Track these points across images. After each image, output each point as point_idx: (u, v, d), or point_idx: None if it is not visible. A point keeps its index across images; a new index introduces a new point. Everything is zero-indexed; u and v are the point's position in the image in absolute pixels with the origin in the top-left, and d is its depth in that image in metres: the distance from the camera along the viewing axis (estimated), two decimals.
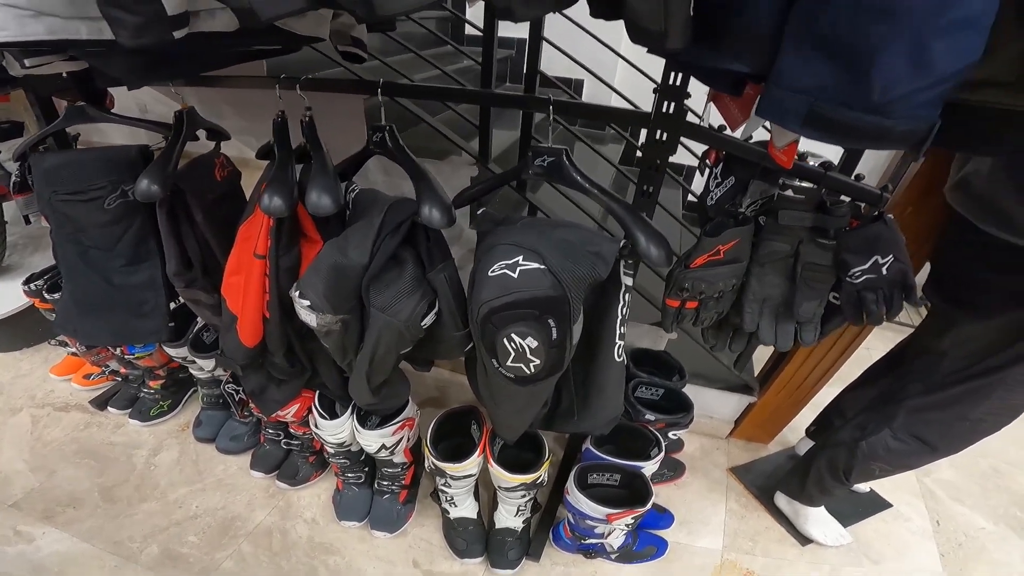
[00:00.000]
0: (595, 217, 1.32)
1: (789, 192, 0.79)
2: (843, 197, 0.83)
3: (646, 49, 0.55)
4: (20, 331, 1.89)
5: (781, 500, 1.44)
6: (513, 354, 0.79)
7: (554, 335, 0.78)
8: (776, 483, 1.47)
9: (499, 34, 1.11)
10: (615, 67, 1.89)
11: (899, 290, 0.83)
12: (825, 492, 1.30)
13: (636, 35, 0.50)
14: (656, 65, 0.76)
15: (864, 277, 0.83)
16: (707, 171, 0.88)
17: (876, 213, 0.81)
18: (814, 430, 1.52)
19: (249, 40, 0.83)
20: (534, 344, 0.78)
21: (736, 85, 0.57)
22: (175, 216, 1.01)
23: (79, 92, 1.19)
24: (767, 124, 0.65)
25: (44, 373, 1.82)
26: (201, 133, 1.15)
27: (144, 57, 0.75)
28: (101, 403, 1.68)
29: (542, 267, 0.76)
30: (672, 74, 0.76)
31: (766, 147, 0.77)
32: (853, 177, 0.79)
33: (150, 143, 1.14)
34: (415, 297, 0.87)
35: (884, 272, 0.82)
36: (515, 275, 0.76)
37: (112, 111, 1.23)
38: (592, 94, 2.18)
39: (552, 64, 1.28)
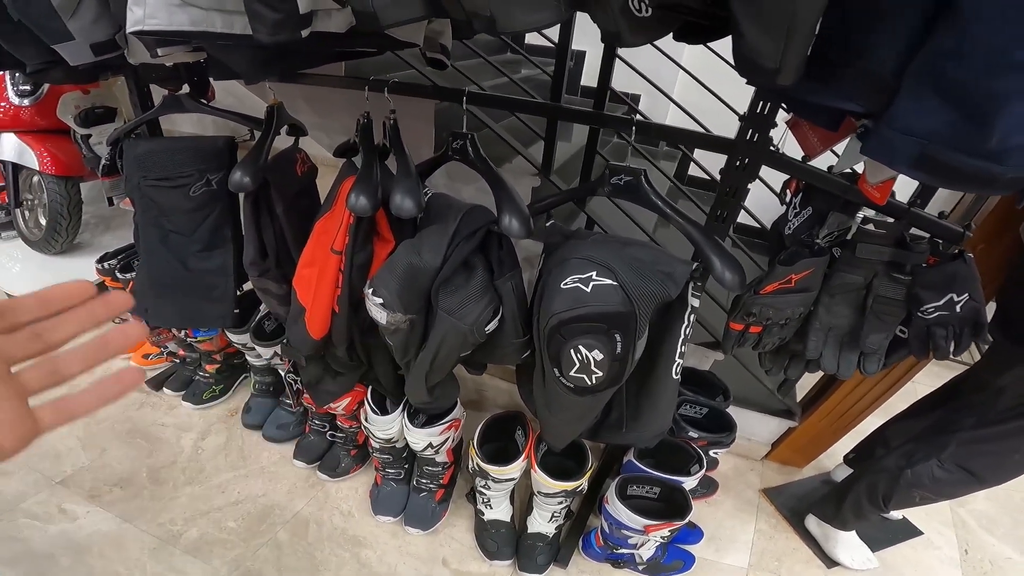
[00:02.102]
0: (648, 232, 1.33)
1: (870, 226, 0.79)
2: (922, 233, 0.82)
3: (745, 81, 0.57)
4: None
5: (812, 523, 1.45)
6: (577, 365, 0.81)
7: (619, 349, 0.80)
8: (808, 506, 1.48)
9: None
10: (674, 82, 1.90)
11: (970, 328, 0.84)
12: (860, 517, 1.31)
13: (746, 70, 0.52)
14: (718, 79, 0.77)
15: (937, 313, 0.83)
16: (787, 200, 0.89)
17: (957, 251, 0.80)
18: (853, 457, 1.53)
19: (352, 42, 0.87)
20: (599, 357, 0.80)
21: (836, 120, 0.58)
22: (258, 207, 1.06)
23: (187, 82, 1.25)
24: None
25: None
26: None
27: (265, 53, 0.80)
28: (157, 384, 1.75)
29: (614, 283, 0.78)
30: (760, 103, 0.77)
31: (850, 180, 0.78)
32: (937, 215, 0.79)
33: (196, 133, 1.20)
34: (482, 303, 0.89)
35: (958, 310, 0.82)
36: (588, 289, 0.78)
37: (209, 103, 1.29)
38: (647, 108, 2.19)
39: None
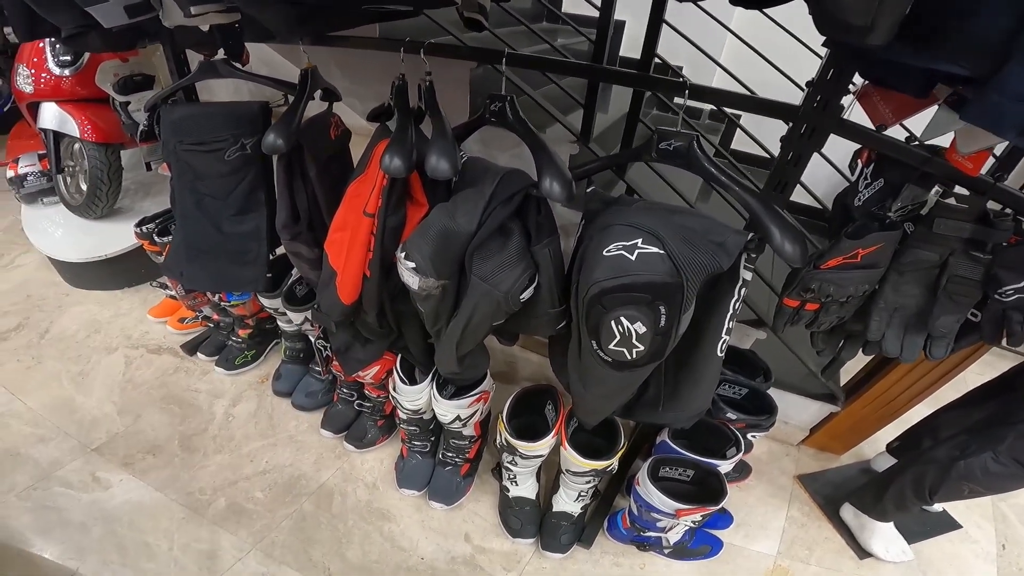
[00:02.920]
0: (690, 201, 1.26)
1: (951, 200, 0.72)
2: (1007, 210, 0.75)
3: (823, 41, 0.51)
4: (124, 271, 2.04)
5: (848, 512, 1.42)
6: (618, 337, 0.77)
7: (663, 322, 0.75)
8: (844, 495, 1.45)
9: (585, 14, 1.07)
10: (720, 51, 1.80)
11: None
12: (902, 508, 1.27)
13: (831, 27, 0.47)
14: (767, 51, 0.70)
15: (1016, 296, 0.76)
16: (857, 170, 0.82)
17: None
18: (898, 446, 1.49)
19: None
20: (642, 330, 0.75)
21: (926, 87, 0.53)
22: (291, 170, 1.04)
23: (223, 46, 1.24)
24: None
25: (142, 314, 1.95)
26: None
27: (297, 8, 0.77)
28: (191, 348, 1.79)
29: (661, 252, 0.73)
30: (832, 69, 0.70)
31: (930, 151, 0.71)
32: (1020, 188, 0.71)
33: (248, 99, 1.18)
34: (518, 269, 0.86)
35: None
36: (632, 257, 0.73)
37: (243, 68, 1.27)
38: (691, 75, 2.09)
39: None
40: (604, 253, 0.75)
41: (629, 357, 0.79)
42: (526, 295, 0.88)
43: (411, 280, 0.87)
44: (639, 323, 0.75)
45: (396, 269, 0.91)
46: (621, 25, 2.20)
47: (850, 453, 1.61)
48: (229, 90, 2.20)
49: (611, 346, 0.78)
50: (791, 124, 0.77)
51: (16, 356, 1.76)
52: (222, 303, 1.53)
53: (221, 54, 1.29)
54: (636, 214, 0.78)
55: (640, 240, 0.74)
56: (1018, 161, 0.99)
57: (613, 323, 0.76)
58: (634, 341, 0.77)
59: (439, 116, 0.92)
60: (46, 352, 1.79)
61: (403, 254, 0.87)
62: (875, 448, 1.56)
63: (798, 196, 1.22)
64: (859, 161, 0.82)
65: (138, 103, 1.91)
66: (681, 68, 2.15)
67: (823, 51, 0.71)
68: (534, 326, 0.98)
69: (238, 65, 1.25)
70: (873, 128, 0.79)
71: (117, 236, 1.99)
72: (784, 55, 1.51)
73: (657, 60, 1.14)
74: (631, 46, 1.11)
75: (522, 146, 0.92)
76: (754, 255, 0.77)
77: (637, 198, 0.86)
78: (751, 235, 0.74)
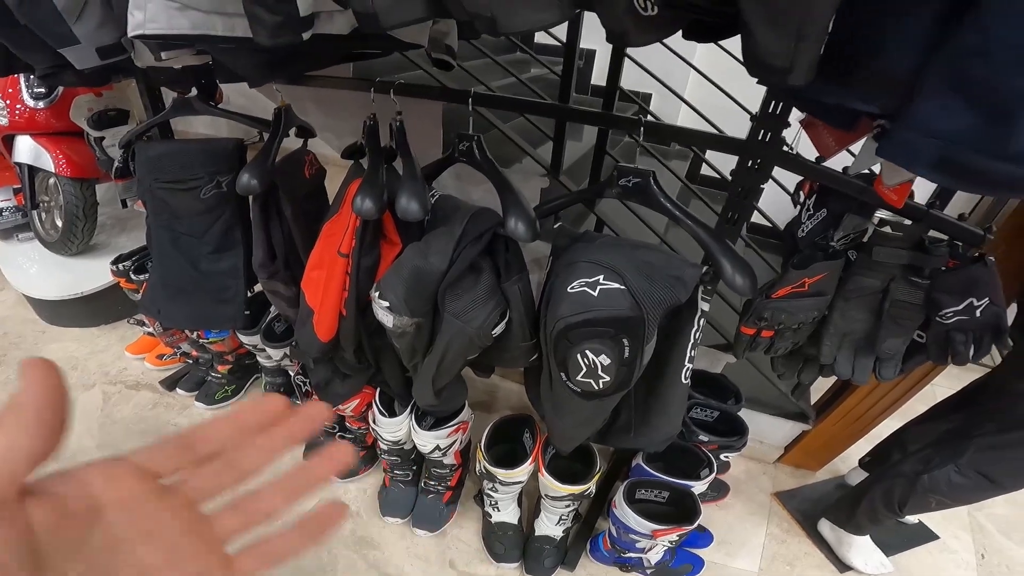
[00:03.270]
0: (659, 233, 1.31)
1: (887, 228, 0.77)
2: (941, 235, 0.80)
3: (756, 80, 0.55)
4: (101, 308, 2.01)
5: (825, 527, 1.44)
6: (584, 369, 0.80)
7: (626, 354, 0.79)
8: (821, 510, 1.47)
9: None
10: (686, 80, 1.87)
11: (990, 333, 0.82)
12: (875, 522, 1.31)
13: (756, 69, 0.50)
14: (731, 77, 0.75)
15: (956, 318, 0.81)
16: (800, 202, 0.87)
17: (977, 254, 0.78)
18: (869, 461, 1.52)
19: (356, 44, 0.86)
20: (607, 362, 0.79)
21: (852, 121, 0.56)
22: (267, 209, 1.06)
23: (195, 85, 1.26)
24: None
25: (119, 351, 1.92)
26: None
27: (268, 56, 0.80)
28: (170, 384, 1.77)
29: (622, 287, 0.77)
30: (772, 103, 0.75)
31: (866, 181, 0.76)
32: (957, 217, 0.77)
33: (210, 134, 1.20)
34: (489, 306, 0.89)
35: (978, 314, 0.80)
36: (595, 293, 0.77)
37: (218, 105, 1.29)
38: (659, 107, 2.17)
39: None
40: (568, 290, 0.79)
41: (596, 387, 0.82)
42: (498, 330, 0.91)
43: (386, 319, 0.90)
44: (604, 355, 0.78)
45: (371, 308, 0.93)
46: (592, 54, 2.28)
47: (825, 469, 1.65)
48: (206, 122, 2.23)
49: (579, 377, 0.82)
50: (739, 157, 0.81)
51: None
52: (201, 340, 1.52)
53: (195, 91, 1.31)
54: (599, 251, 0.82)
55: (602, 276, 0.77)
56: (955, 191, 1.05)
57: (579, 356, 0.79)
58: (600, 372, 0.80)
59: (409, 157, 0.95)
60: None
61: (377, 293, 0.89)
62: (849, 463, 1.60)
63: (761, 217, 1.28)
64: (802, 192, 0.87)
65: (113, 138, 1.90)
66: (650, 96, 2.24)
67: None
68: (507, 359, 1.01)
69: (212, 103, 1.28)
70: (816, 159, 0.84)
71: (93, 273, 1.96)
72: (748, 82, 1.57)
73: (625, 89, 1.19)
74: (602, 76, 1.15)
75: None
76: (711, 287, 0.81)
77: (602, 234, 0.90)
78: (706, 268, 0.78)
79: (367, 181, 0.89)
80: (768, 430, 1.58)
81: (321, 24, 0.71)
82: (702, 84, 1.61)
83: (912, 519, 1.49)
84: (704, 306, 0.83)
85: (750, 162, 0.80)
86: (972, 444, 1.09)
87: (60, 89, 1.95)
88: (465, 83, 1.36)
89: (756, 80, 0.56)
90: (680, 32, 0.58)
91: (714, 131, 1.03)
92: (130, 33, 0.67)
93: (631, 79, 1.49)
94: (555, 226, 0.94)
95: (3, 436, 0.22)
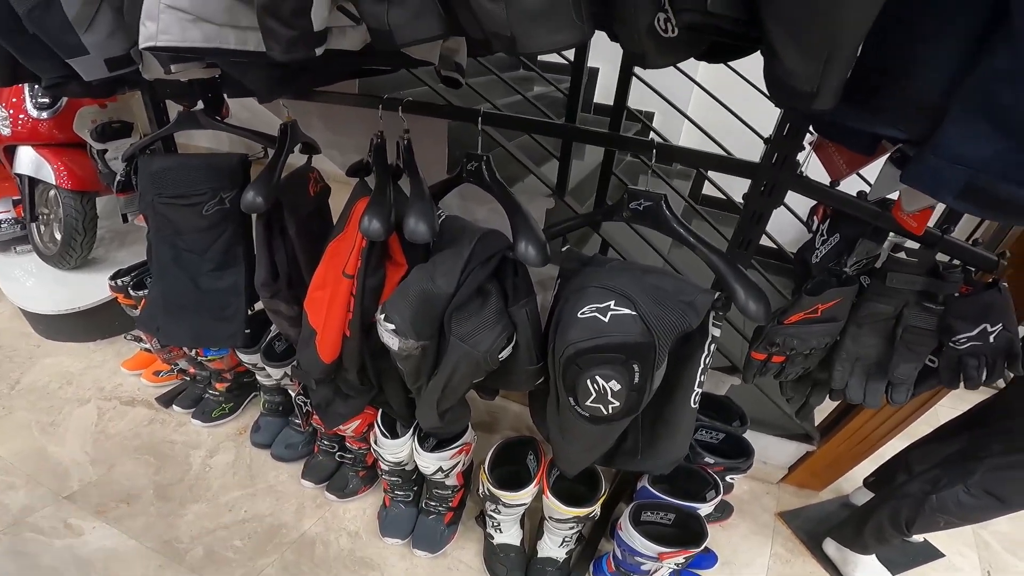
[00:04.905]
0: (663, 253, 1.30)
1: (901, 254, 0.76)
2: (955, 261, 0.79)
3: (775, 104, 0.54)
4: (97, 323, 1.98)
5: (830, 547, 1.43)
6: (594, 395, 0.79)
7: (636, 379, 0.78)
8: (826, 530, 1.47)
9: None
10: (688, 98, 1.88)
11: (1003, 358, 0.81)
12: (881, 541, 1.30)
13: (780, 93, 0.50)
14: (734, 96, 0.74)
15: (969, 344, 0.80)
16: (814, 228, 0.86)
17: (991, 280, 0.77)
18: (874, 481, 1.52)
19: (366, 60, 0.86)
20: (617, 387, 0.78)
21: (871, 145, 0.56)
22: (271, 228, 1.05)
23: (201, 98, 1.25)
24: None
25: (115, 366, 1.90)
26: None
27: (279, 71, 0.79)
28: (167, 401, 1.74)
29: (633, 313, 0.76)
30: (787, 125, 0.74)
31: (881, 206, 0.75)
32: (971, 242, 0.76)
33: (212, 148, 1.19)
34: (496, 329, 0.87)
35: (991, 340, 0.80)
36: (606, 319, 0.76)
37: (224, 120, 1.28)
38: (661, 126, 2.17)
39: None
40: (579, 315, 0.77)
41: (605, 412, 0.81)
42: (504, 354, 0.90)
43: (391, 341, 0.88)
44: (614, 381, 0.77)
45: (375, 329, 0.92)
46: (595, 72, 2.29)
47: (829, 489, 1.64)
48: (207, 135, 2.22)
49: (588, 403, 0.80)
50: (751, 180, 0.81)
51: None
52: (199, 358, 1.50)
53: (200, 105, 1.31)
54: (609, 276, 0.81)
55: (613, 302, 0.76)
56: (963, 214, 1.05)
57: (589, 382, 0.78)
58: (609, 398, 0.79)
59: (417, 177, 0.94)
60: (16, 403, 1.73)
61: (383, 315, 0.88)
62: (853, 483, 1.59)
63: (769, 240, 1.27)
64: (815, 217, 0.86)
65: (116, 151, 1.89)
66: (652, 114, 2.25)
67: None
68: (513, 382, 0.99)
69: (218, 118, 1.27)
70: (829, 182, 0.83)
71: (91, 288, 1.94)
72: (753, 101, 1.57)
73: (631, 108, 1.18)
74: (605, 94, 1.15)
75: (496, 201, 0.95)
76: (722, 312, 0.80)
77: (611, 258, 0.89)
78: (718, 294, 0.77)
79: (375, 201, 0.88)
80: (772, 451, 1.57)
81: (334, 39, 0.70)
82: (704, 105, 1.62)
83: (918, 537, 1.48)
84: (715, 331, 0.82)
85: (762, 186, 0.79)
86: (981, 465, 1.09)
87: (64, 100, 1.94)
88: (470, 100, 1.36)
89: (776, 104, 0.55)
90: (717, 61, 0.58)
91: (723, 153, 1.02)
92: (142, 45, 0.66)
93: (633, 97, 1.50)
94: (563, 249, 0.93)
95: None
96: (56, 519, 1.39)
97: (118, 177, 1.30)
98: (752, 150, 1.10)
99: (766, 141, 0.79)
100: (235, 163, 1.18)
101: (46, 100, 1.93)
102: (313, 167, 1.18)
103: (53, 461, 1.53)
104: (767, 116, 1.08)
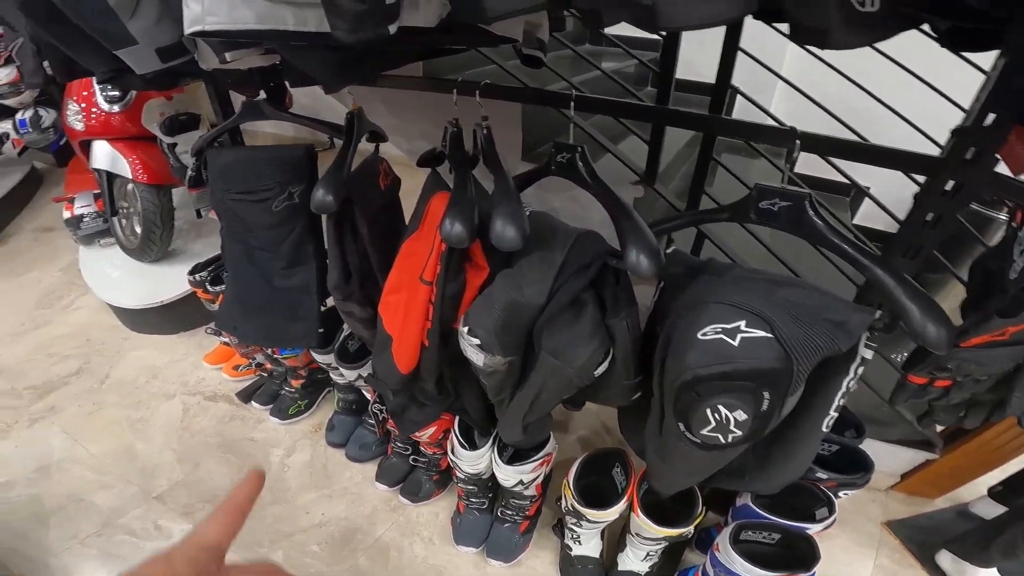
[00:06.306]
0: (782, 257, 1.14)
1: None
2: None
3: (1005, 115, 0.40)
4: (179, 316, 2.03)
5: (945, 559, 1.30)
6: (713, 424, 0.68)
7: (764, 407, 0.66)
8: (940, 540, 1.32)
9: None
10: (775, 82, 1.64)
11: None
12: (1010, 557, 1.18)
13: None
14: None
15: None
16: (1013, 235, 0.69)
17: None
18: (1001, 491, 1.36)
19: (440, 39, 0.75)
20: (742, 417, 0.66)
21: None
22: (341, 226, 0.98)
23: (263, 87, 1.19)
24: None
25: (197, 359, 1.94)
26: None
27: (341, 54, 0.70)
28: (246, 396, 1.76)
29: (769, 336, 0.63)
30: (989, 112, 0.58)
31: None
32: None
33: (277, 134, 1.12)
34: (593, 343, 0.77)
35: None
36: (735, 342, 0.64)
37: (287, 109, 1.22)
38: (741, 109, 1.93)
39: (689, 69, 1.12)
40: (699, 336, 0.66)
41: (723, 441, 0.69)
42: (600, 370, 0.79)
43: (475, 357, 0.80)
44: (739, 411, 0.66)
45: (454, 336, 0.84)
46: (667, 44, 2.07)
47: (944, 497, 1.48)
48: (273, 123, 2.20)
49: (704, 431, 0.69)
50: (929, 179, 0.64)
51: (78, 402, 1.79)
52: (274, 355, 1.49)
53: (263, 94, 1.25)
54: (735, 290, 0.68)
55: (744, 323, 0.64)
56: None
57: (709, 411, 0.67)
58: (731, 428, 0.67)
59: (502, 171, 0.83)
60: (107, 398, 1.81)
61: (466, 328, 0.79)
62: (974, 492, 1.42)
63: (863, 219, 1.05)
64: (1013, 223, 0.69)
65: (185, 144, 1.89)
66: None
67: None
68: (606, 397, 0.90)
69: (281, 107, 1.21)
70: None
71: (172, 280, 1.98)
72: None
73: (734, 87, 1.02)
74: (685, 68, 1.00)
75: (576, 188, 0.83)
76: (879, 333, 0.66)
77: (728, 264, 0.76)
78: (878, 314, 0.63)
79: (456, 202, 0.79)
80: (886, 458, 1.41)
81: (406, 14, 0.59)
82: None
83: None
84: (867, 354, 0.67)
85: (947, 185, 0.63)
86: None
87: (133, 92, 1.93)
88: (536, 78, 1.23)
89: (1007, 117, 0.40)
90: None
91: (861, 141, 0.84)
92: (187, 30, 0.57)
93: (696, 70, 1.30)
94: (667, 251, 0.81)
95: (219, 524, 0.38)
96: (147, 520, 1.42)
97: (188, 172, 1.27)
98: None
99: (955, 132, 0.62)
100: (301, 155, 1.11)
101: (116, 93, 1.92)
102: (382, 157, 1.10)
103: (142, 459, 1.58)
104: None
